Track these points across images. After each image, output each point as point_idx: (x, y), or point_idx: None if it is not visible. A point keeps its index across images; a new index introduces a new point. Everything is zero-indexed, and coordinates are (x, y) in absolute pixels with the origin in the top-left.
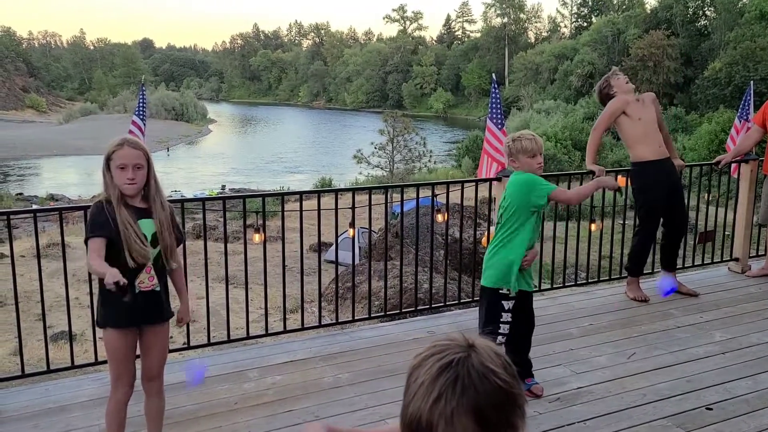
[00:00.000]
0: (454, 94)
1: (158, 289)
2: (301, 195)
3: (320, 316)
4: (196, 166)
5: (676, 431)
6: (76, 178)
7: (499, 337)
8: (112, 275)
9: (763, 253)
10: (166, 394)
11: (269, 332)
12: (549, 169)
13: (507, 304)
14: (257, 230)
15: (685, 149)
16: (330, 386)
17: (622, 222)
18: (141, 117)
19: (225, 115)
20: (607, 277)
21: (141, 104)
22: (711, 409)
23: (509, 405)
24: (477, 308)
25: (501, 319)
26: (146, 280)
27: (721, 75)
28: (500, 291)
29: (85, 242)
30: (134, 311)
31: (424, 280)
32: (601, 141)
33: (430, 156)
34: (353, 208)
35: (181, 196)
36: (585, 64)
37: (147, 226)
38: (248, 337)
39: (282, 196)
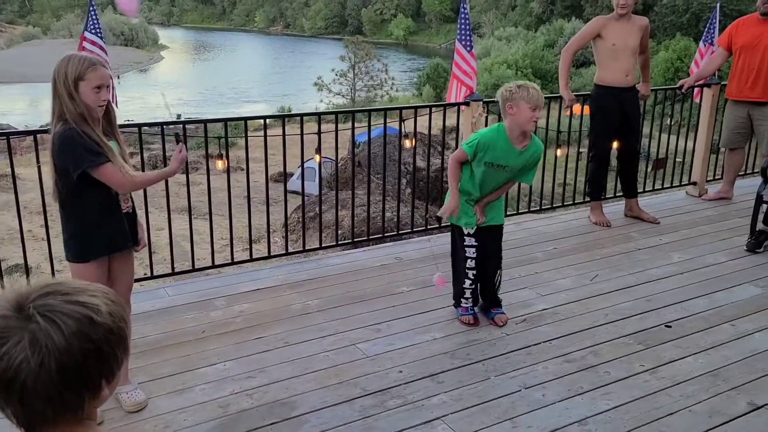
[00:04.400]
0: (415, 20)
1: (131, 211)
2: (265, 120)
3: (287, 244)
4: (149, 95)
5: (637, 348)
6: (21, 107)
7: (469, 273)
8: (178, 159)
9: (720, 177)
10: (132, 324)
11: (235, 261)
12: None
13: (468, 240)
14: (220, 157)
15: None
16: (299, 313)
17: (583, 150)
18: (98, 35)
19: (178, 41)
20: (571, 202)
21: (94, 21)
22: (670, 326)
23: None
24: (442, 234)
25: (466, 254)
26: (123, 202)
27: (679, 2)
28: (463, 228)
29: (82, 174)
30: (123, 234)
31: (390, 208)
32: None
33: (392, 83)
34: (319, 133)
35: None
36: None
37: (114, 148)
38: (213, 266)
39: (245, 121)
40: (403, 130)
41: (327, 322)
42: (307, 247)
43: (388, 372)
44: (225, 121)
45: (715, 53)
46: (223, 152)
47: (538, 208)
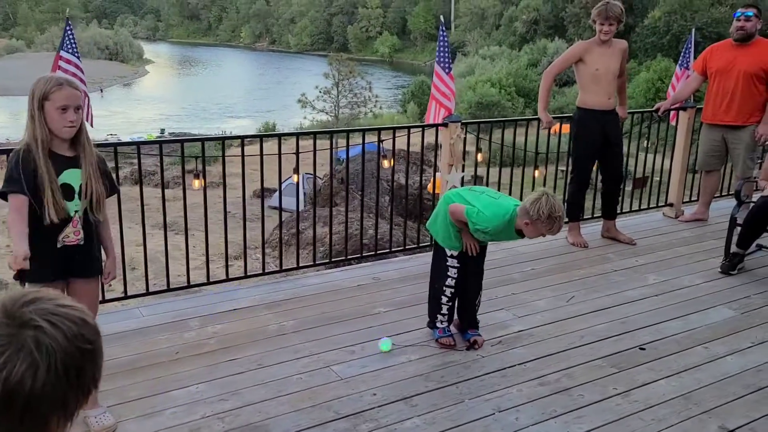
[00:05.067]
0: (401, 38)
1: (83, 243)
2: (243, 139)
3: (264, 263)
4: (133, 109)
5: (611, 370)
6: (2, 119)
7: (447, 290)
8: (18, 259)
9: (696, 198)
10: (104, 346)
11: (211, 280)
12: (492, 114)
13: (451, 261)
14: (197, 176)
15: None
16: (274, 334)
17: (563, 169)
18: (75, 54)
19: (163, 56)
20: None
21: (70, 39)
22: (644, 349)
23: None
24: (422, 254)
25: (447, 273)
26: (72, 234)
27: (659, 24)
28: (446, 249)
29: (1, 195)
30: (58, 266)
31: (369, 226)
32: (553, 85)
33: (376, 101)
34: (297, 153)
35: (118, 140)
36: (530, 10)
37: (74, 177)
38: (189, 286)
39: (222, 141)
40: (381, 150)
41: (302, 344)
42: (285, 266)
43: (361, 395)
44: (203, 140)
45: (691, 77)
46: (200, 170)
47: None
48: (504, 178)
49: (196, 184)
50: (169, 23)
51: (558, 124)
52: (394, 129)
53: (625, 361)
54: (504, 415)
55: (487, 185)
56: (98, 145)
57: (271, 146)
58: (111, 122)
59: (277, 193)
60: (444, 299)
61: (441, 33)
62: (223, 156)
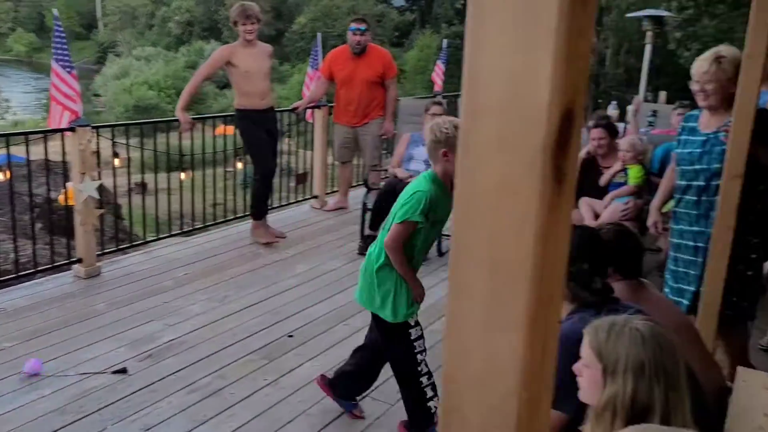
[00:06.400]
0: (39, 36)
1: None
2: None
3: None
4: None
5: (262, 363)
6: None
7: (424, 378)
8: None
9: (338, 189)
10: None
11: None
12: (153, 116)
13: (415, 332)
14: None
15: (280, 98)
16: None
17: (230, 170)
18: None
19: None
20: (211, 222)
21: None
22: (292, 336)
23: None
24: (58, 275)
25: (415, 350)
26: None
27: (306, 29)
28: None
29: None
30: None
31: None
32: (200, 89)
33: (8, 107)
34: None
35: None
36: (182, 12)
37: None
38: None
39: None
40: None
41: None
42: None
43: None
44: None
45: (321, 80)
46: None
47: (169, 234)
48: (172, 182)
49: None
50: None
51: (223, 125)
52: (7, 136)
53: (275, 350)
54: None
55: (156, 191)
56: None
57: None
58: None
59: None
60: (428, 392)
61: (56, 27)
62: None
